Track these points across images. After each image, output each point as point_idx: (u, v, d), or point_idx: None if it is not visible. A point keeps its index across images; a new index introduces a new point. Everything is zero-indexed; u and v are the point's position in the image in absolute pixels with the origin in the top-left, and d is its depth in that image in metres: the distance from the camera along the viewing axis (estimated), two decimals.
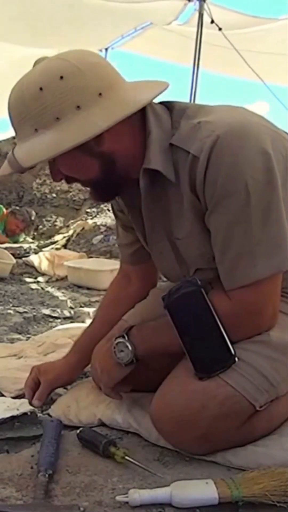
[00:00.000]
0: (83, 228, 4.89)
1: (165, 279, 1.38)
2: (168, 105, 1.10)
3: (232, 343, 1.03)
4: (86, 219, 5.16)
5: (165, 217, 1.12)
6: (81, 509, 0.92)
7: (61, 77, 0.97)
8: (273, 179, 0.98)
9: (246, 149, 0.97)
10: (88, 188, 1.16)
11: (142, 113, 1.05)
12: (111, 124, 0.97)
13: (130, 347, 1.10)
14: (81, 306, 2.71)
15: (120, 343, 1.12)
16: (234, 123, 1.00)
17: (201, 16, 4.68)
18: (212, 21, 4.61)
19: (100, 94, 0.98)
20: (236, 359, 1.03)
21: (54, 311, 2.52)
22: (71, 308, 2.64)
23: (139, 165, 1.06)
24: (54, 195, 6.04)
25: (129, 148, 1.06)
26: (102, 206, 5.20)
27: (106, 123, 0.97)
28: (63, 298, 2.92)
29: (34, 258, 3.83)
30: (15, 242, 4.69)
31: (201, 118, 1.04)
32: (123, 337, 1.12)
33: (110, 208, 1.46)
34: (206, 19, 4.67)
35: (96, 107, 0.98)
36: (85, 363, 1.36)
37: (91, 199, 1.35)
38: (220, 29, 4.63)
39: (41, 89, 0.97)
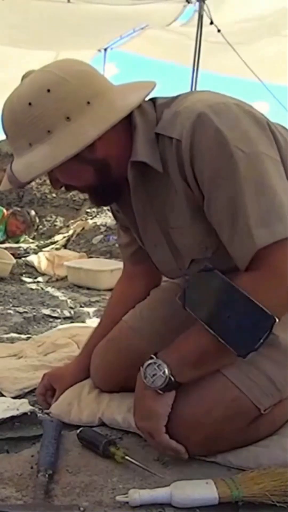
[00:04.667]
0: (83, 228, 4.89)
1: (165, 279, 1.38)
2: (153, 100, 1.11)
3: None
4: (86, 219, 5.16)
5: (157, 208, 1.11)
6: (81, 509, 0.92)
7: (48, 90, 0.98)
8: (259, 141, 0.96)
9: (226, 120, 0.96)
10: (87, 194, 1.16)
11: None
12: (101, 132, 0.98)
13: (162, 366, 0.99)
14: (81, 306, 2.71)
15: (149, 366, 1.01)
16: (211, 101, 1.00)
17: (200, 17, 4.68)
18: (212, 22, 4.60)
19: (88, 102, 0.99)
20: (276, 319, 0.91)
21: (54, 311, 2.52)
22: (71, 308, 2.64)
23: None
24: (54, 195, 6.04)
25: (121, 149, 1.06)
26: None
27: (96, 132, 0.98)
28: (63, 298, 2.92)
29: (34, 258, 3.83)
30: (16, 242, 4.69)
31: (182, 105, 1.03)
32: (151, 358, 1.02)
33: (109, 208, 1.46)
34: (206, 19, 4.65)
35: (85, 116, 0.99)
36: None
37: (91, 203, 1.35)
38: (219, 30, 4.62)
39: (30, 104, 0.99)
